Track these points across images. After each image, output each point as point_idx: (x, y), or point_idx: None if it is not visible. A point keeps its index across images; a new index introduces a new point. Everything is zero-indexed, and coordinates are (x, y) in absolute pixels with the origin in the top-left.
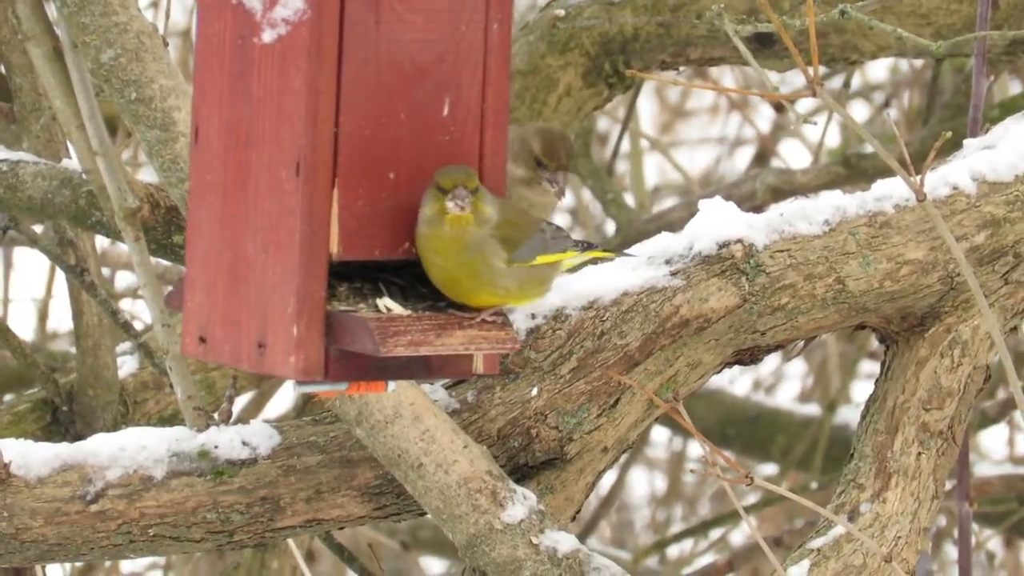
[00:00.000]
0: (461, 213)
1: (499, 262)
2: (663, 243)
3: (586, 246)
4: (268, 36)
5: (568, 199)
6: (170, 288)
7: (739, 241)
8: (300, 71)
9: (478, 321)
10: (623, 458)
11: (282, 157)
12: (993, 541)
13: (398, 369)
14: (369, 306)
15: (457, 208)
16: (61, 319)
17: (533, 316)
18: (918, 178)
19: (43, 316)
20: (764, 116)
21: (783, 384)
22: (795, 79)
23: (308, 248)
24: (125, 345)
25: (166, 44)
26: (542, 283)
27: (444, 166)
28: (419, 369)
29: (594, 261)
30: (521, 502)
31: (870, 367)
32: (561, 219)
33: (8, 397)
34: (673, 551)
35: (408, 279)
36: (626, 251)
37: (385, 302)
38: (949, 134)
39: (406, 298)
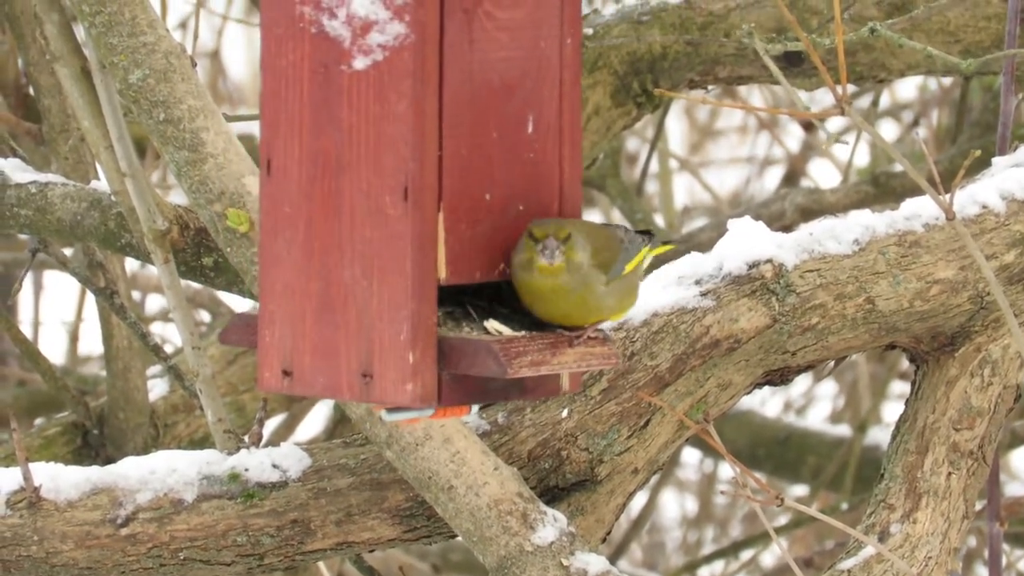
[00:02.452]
0: (548, 264)
1: (601, 286)
2: (693, 263)
3: (650, 239)
4: (360, 63)
5: (597, 219)
6: (209, 315)
7: (769, 261)
8: (404, 95)
9: (584, 339)
10: (654, 479)
11: (384, 183)
12: None
13: (499, 391)
14: (475, 329)
15: (546, 260)
16: (92, 342)
17: None
18: (947, 197)
19: (73, 339)
20: (793, 136)
21: (814, 405)
22: (824, 98)
23: (419, 273)
24: (155, 368)
25: (194, 64)
26: (633, 290)
27: (538, 220)
28: (516, 390)
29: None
30: (551, 524)
31: (901, 388)
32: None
33: (38, 421)
34: (704, 573)
35: (486, 300)
36: (671, 240)
37: (494, 324)
38: (978, 152)
39: (494, 319)
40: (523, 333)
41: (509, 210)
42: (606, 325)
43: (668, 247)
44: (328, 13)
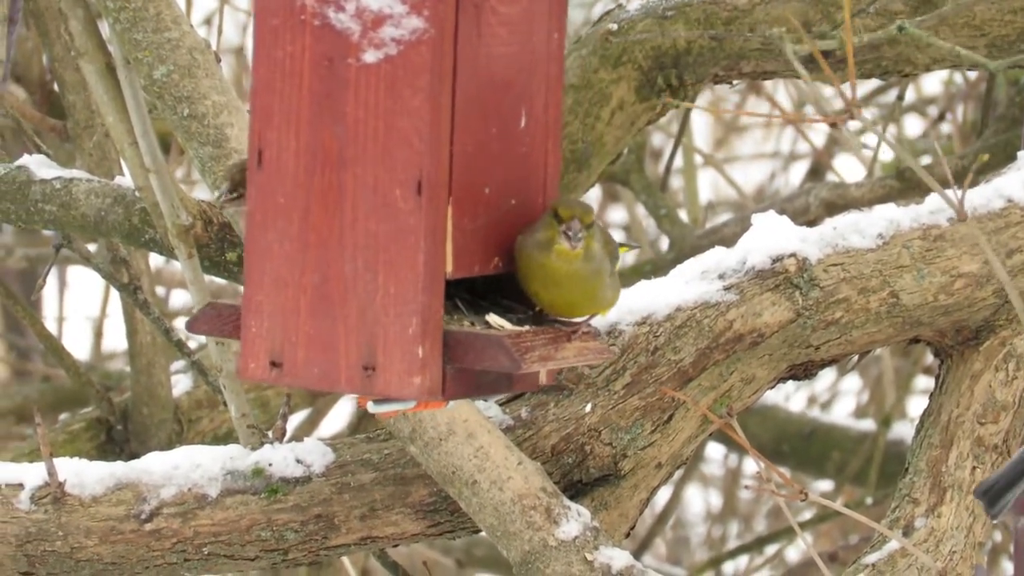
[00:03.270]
0: (571, 250)
1: (607, 276)
2: (717, 258)
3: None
4: (371, 56)
5: (621, 214)
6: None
7: (792, 255)
8: (420, 90)
9: (580, 333)
10: (678, 474)
11: (395, 177)
12: None
13: (491, 384)
14: (480, 323)
15: (568, 243)
16: (116, 338)
17: None
18: (958, 195)
19: (98, 335)
20: (818, 131)
21: (838, 400)
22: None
23: (430, 268)
24: (179, 364)
25: (219, 60)
26: (618, 286)
27: (565, 197)
28: (503, 384)
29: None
30: (575, 519)
31: (925, 382)
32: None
33: (63, 416)
34: (729, 568)
35: (467, 293)
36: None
37: (495, 319)
38: (986, 157)
39: (477, 312)
40: (526, 328)
41: (503, 204)
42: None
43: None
44: (335, 6)
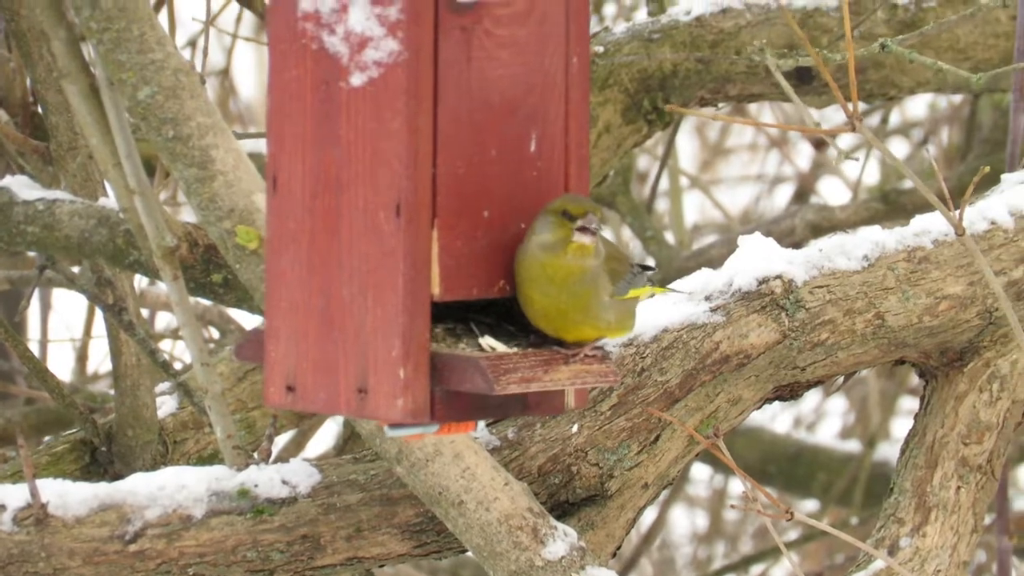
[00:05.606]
0: (589, 243)
1: (606, 295)
2: (703, 279)
3: (651, 280)
4: (357, 79)
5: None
6: (218, 331)
7: (779, 277)
8: (398, 112)
9: (581, 356)
10: (664, 495)
11: (379, 199)
12: None
13: (497, 407)
14: (470, 345)
15: (586, 238)
16: (100, 360)
17: None
18: (957, 213)
19: (82, 357)
20: (803, 154)
21: (824, 421)
22: (833, 116)
23: (412, 290)
24: (164, 385)
25: (203, 82)
26: (632, 316)
27: (569, 194)
28: (517, 406)
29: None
30: (562, 539)
31: (910, 404)
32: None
33: (47, 438)
34: None
35: (494, 318)
36: (672, 287)
37: (488, 341)
38: (987, 168)
39: (496, 336)
40: (516, 350)
41: (510, 227)
42: (610, 344)
43: (666, 291)
44: (328, 29)
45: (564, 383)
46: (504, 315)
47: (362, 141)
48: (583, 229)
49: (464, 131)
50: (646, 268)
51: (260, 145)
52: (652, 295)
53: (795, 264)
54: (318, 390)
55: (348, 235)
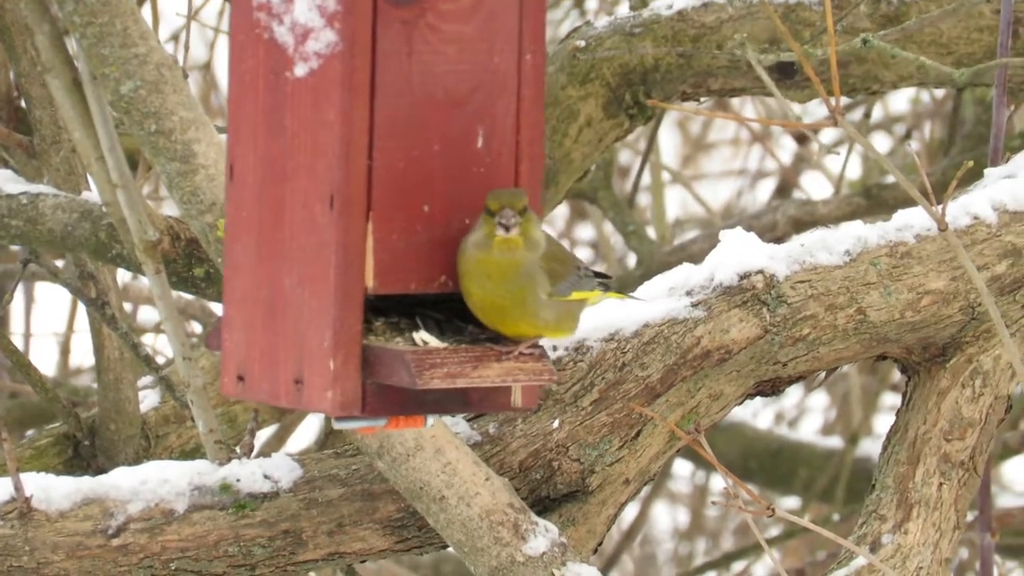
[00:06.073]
0: (508, 235)
1: (543, 293)
2: (684, 274)
3: (606, 287)
4: (301, 70)
5: (589, 231)
6: (200, 325)
7: (760, 272)
8: (333, 104)
9: (515, 354)
10: (645, 491)
11: (317, 191)
12: (1016, 573)
13: (436, 403)
14: (406, 340)
15: (503, 231)
16: (83, 354)
17: (555, 348)
18: (939, 208)
19: (65, 351)
20: (786, 148)
21: (805, 417)
22: (816, 110)
23: (343, 282)
24: (147, 379)
25: (186, 76)
26: (574, 318)
27: (494, 190)
28: (457, 403)
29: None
30: (543, 534)
31: (892, 400)
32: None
33: (30, 432)
34: None
35: (446, 314)
36: (633, 295)
37: (422, 335)
38: (971, 163)
39: (443, 332)
40: (446, 345)
41: (452, 223)
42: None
43: (620, 296)
44: (278, 19)
45: (494, 380)
46: (458, 311)
47: (304, 132)
48: (499, 224)
49: (404, 125)
50: (600, 275)
51: None
52: (601, 300)
53: (777, 259)
54: (263, 380)
55: (290, 226)
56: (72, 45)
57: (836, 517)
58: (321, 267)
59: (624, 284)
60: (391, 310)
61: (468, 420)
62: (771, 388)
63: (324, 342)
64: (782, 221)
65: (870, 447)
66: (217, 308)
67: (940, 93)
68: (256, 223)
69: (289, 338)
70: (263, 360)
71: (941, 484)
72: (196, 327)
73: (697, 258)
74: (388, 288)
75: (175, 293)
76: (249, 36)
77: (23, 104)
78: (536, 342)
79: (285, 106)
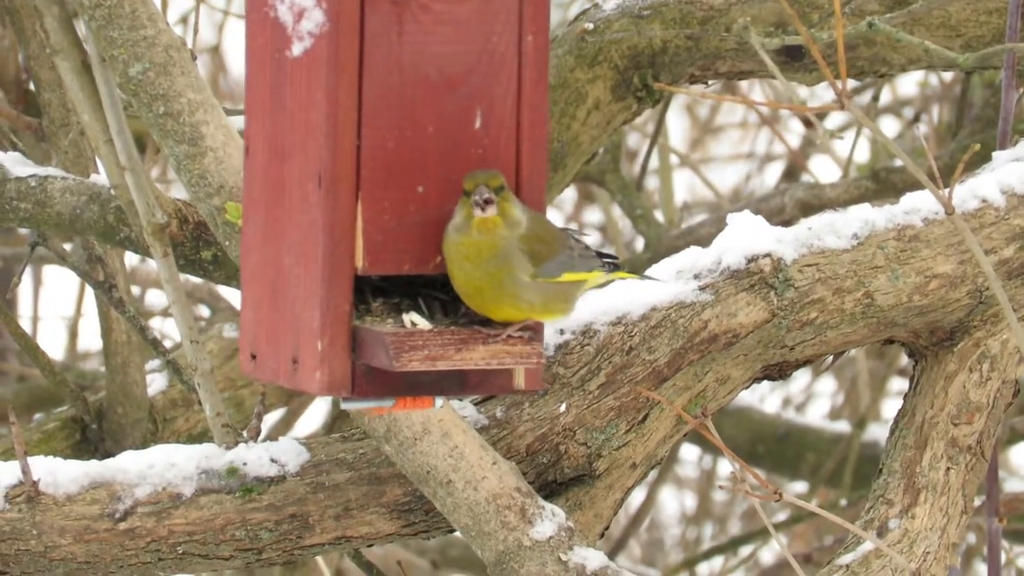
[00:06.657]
0: (485, 215)
1: (524, 275)
2: (691, 257)
3: (612, 267)
4: (297, 49)
5: (596, 214)
6: (208, 309)
7: (768, 255)
8: (321, 83)
9: (504, 337)
10: (652, 476)
11: (309, 169)
12: (1023, 557)
13: (430, 385)
14: (396, 321)
15: (480, 210)
16: (91, 337)
17: (562, 332)
18: (947, 191)
19: (73, 334)
20: (794, 131)
21: (813, 402)
22: (824, 93)
23: (331, 261)
24: (154, 363)
25: (194, 58)
26: (567, 300)
27: (472, 171)
28: (453, 385)
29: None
30: (550, 519)
31: (900, 384)
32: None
33: (38, 415)
34: (703, 569)
35: (452, 294)
36: (648, 275)
37: (412, 317)
38: (978, 146)
39: (446, 314)
40: (431, 327)
41: (449, 204)
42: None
43: (631, 276)
44: None
45: (478, 362)
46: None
47: (299, 111)
48: (475, 204)
49: (394, 105)
50: (606, 256)
51: None
52: (609, 281)
53: (784, 242)
54: (268, 359)
55: (289, 204)
56: (81, 27)
57: (843, 502)
58: (312, 246)
59: (632, 268)
60: (396, 291)
61: (475, 404)
62: (778, 372)
63: (314, 322)
64: (790, 204)
65: (877, 432)
66: (225, 291)
67: (948, 76)
68: (263, 202)
69: (288, 317)
70: (269, 339)
71: (948, 469)
72: (204, 310)
73: (705, 242)
74: (380, 268)
75: (183, 276)
76: (259, 15)
77: (32, 86)
78: (527, 325)
79: (285, 85)
